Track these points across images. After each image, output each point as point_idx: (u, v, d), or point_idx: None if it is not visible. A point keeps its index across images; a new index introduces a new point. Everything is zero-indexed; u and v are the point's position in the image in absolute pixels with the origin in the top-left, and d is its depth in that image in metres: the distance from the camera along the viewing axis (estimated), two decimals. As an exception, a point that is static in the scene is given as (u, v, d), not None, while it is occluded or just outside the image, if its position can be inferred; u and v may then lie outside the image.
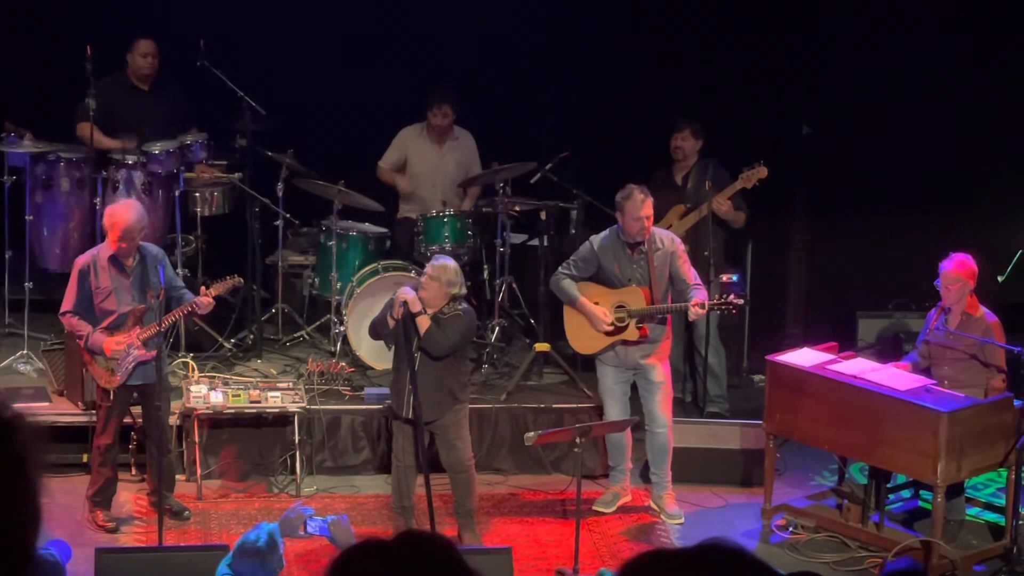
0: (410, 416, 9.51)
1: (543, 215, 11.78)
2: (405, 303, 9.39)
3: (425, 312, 9.50)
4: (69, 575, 6.96)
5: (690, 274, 10.25)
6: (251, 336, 11.92)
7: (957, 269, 9.90)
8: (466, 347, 9.94)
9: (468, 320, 9.70)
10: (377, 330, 9.73)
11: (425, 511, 9.51)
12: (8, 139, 11.49)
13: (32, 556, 2.86)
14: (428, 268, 9.64)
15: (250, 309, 11.88)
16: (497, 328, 11.83)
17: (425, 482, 9.24)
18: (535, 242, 12.21)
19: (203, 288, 9.81)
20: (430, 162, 12.33)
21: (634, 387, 10.52)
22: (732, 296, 10.21)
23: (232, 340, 11.81)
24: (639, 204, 10.06)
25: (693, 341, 11.91)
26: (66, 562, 6.85)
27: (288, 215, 11.99)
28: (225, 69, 11.71)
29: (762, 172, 11.32)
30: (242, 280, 10.31)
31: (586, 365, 11.03)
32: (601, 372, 10.49)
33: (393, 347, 9.76)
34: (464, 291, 9.71)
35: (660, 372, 10.37)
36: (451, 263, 9.70)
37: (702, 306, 10.03)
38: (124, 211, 9.65)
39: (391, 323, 9.50)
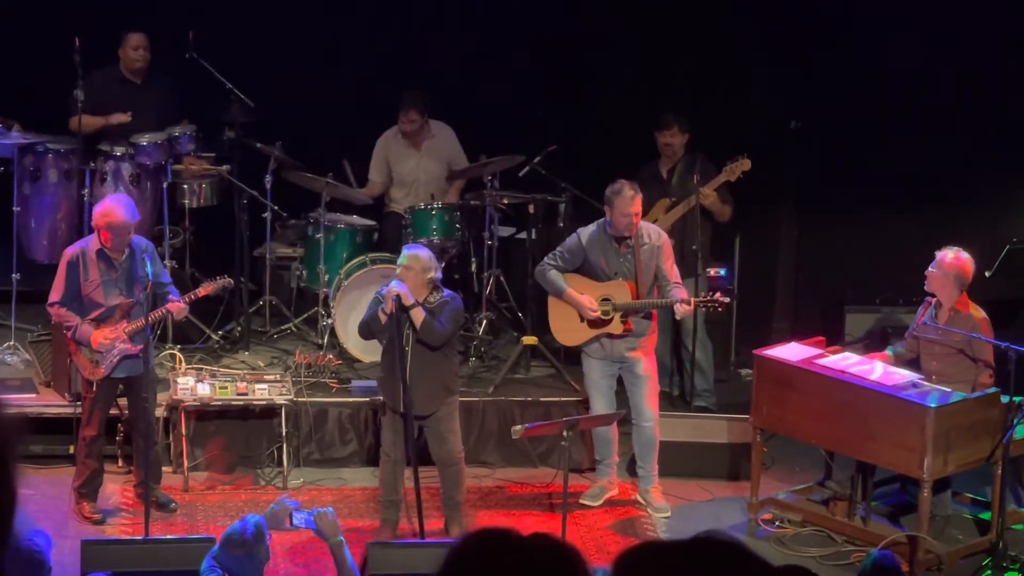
0: (403, 410, 9.50)
1: (531, 208, 11.78)
2: (398, 297, 9.37)
3: (418, 304, 9.50)
4: (54, 566, 6.97)
5: (673, 272, 10.27)
6: (239, 328, 11.90)
7: (945, 259, 9.91)
8: (457, 338, 9.95)
9: (456, 305, 9.71)
10: (369, 328, 9.71)
11: (412, 503, 9.53)
12: (-4, 130, 11.48)
13: (6, 543, 2.84)
14: (401, 259, 9.63)
15: (238, 301, 11.86)
16: (484, 321, 11.83)
17: (414, 476, 9.25)
18: (523, 235, 12.22)
19: (172, 298, 9.78)
20: (410, 164, 12.31)
21: (620, 381, 10.52)
22: (718, 294, 10.21)
23: (220, 332, 11.79)
24: (628, 200, 10.07)
25: (680, 335, 11.92)
26: (48, 552, 6.86)
27: (276, 207, 11.98)
28: (214, 61, 11.69)
29: (745, 164, 11.35)
30: (231, 281, 10.29)
31: (573, 358, 11.02)
32: (587, 366, 10.49)
33: (385, 342, 9.74)
34: (440, 274, 9.72)
35: (645, 366, 10.38)
36: (422, 250, 9.72)
37: (688, 303, 10.05)
38: (117, 209, 9.64)
39: (383, 318, 9.49)
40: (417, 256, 9.60)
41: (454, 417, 9.87)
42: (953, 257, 9.91)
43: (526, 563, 2.89)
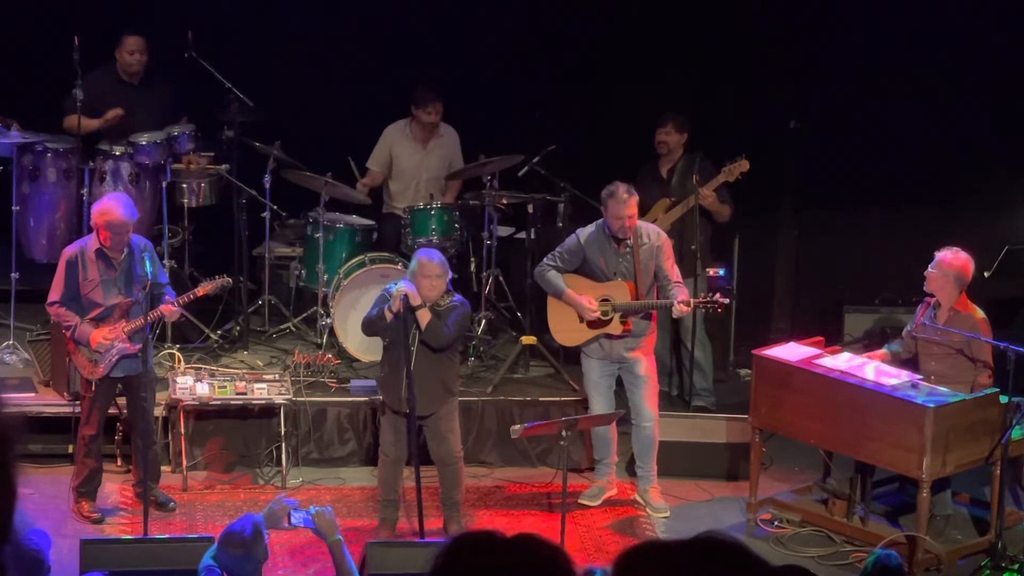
0: (405, 410, 9.49)
1: (530, 208, 11.78)
2: (405, 296, 9.36)
3: (425, 306, 9.49)
4: (53, 565, 6.96)
5: (673, 271, 10.26)
6: (237, 328, 11.90)
7: (945, 259, 9.92)
8: (459, 341, 9.96)
9: (465, 310, 9.72)
10: (374, 326, 9.68)
11: (411, 503, 9.53)
12: (-5, 129, 11.47)
13: (6, 540, 2.84)
14: (430, 268, 9.53)
15: (237, 301, 11.86)
16: (483, 321, 11.83)
17: (415, 475, 9.25)
18: (522, 235, 12.22)
19: (167, 299, 9.76)
20: (414, 160, 12.30)
21: (620, 381, 10.52)
22: (718, 295, 10.21)
23: (218, 331, 11.79)
24: (622, 203, 10.05)
25: (679, 335, 11.91)
26: (47, 551, 6.85)
27: (275, 207, 11.97)
28: (213, 60, 11.69)
29: (744, 165, 11.35)
30: (230, 280, 10.26)
31: (572, 358, 11.03)
32: (586, 366, 10.49)
33: (387, 341, 9.72)
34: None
35: (645, 366, 10.38)
36: (441, 255, 9.72)
37: (687, 304, 10.04)
38: (116, 207, 9.63)
39: (389, 317, 9.47)
40: (443, 263, 9.59)
41: (454, 417, 9.87)
42: (953, 257, 9.91)
43: (511, 564, 2.91)
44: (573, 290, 10.31)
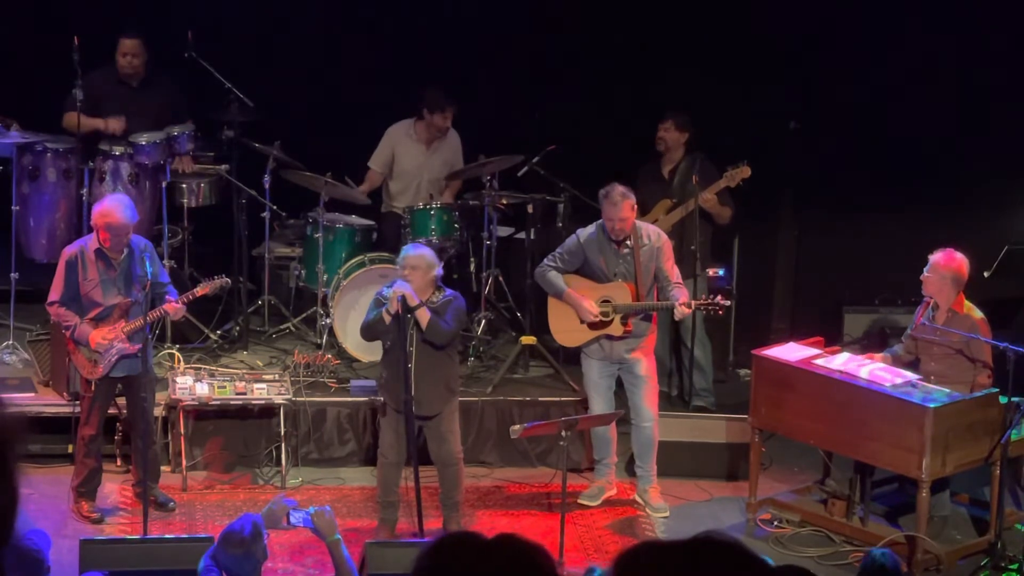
0: (406, 410, 9.48)
1: (530, 208, 11.78)
2: (403, 297, 9.36)
3: (423, 304, 9.49)
4: (52, 565, 6.96)
5: (673, 272, 10.26)
6: (237, 328, 11.90)
7: (939, 261, 9.92)
8: (457, 338, 9.95)
9: (459, 304, 9.71)
10: (373, 330, 9.66)
11: (410, 503, 9.52)
12: (-5, 129, 11.47)
13: (6, 541, 2.84)
14: (405, 261, 9.59)
15: (236, 301, 11.86)
16: (483, 321, 11.83)
17: (414, 475, 9.24)
18: (522, 235, 12.22)
19: (169, 298, 9.76)
20: (416, 161, 12.29)
21: (620, 381, 10.53)
22: (719, 297, 10.20)
23: (218, 332, 11.79)
24: (615, 206, 10.06)
25: (680, 335, 11.91)
26: (47, 551, 6.85)
27: (275, 207, 11.97)
28: (213, 60, 11.68)
29: (745, 172, 11.34)
30: (229, 280, 10.26)
31: (571, 358, 11.03)
32: (586, 366, 10.49)
33: (388, 344, 9.70)
34: (440, 271, 9.72)
35: (645, 366, 10.38)
36: (425, 249, 9.73)
37: (688, 305, 10.04)
38: (117, 209, 9.63)
39: (387, 319, 9.46)
40: (422, 256, 9.59)
41: (454, 417, 9.87)
42: (947, 259, 9.91)
43: (493, 564, 2.92)
44: (573, 291, 10.31)
